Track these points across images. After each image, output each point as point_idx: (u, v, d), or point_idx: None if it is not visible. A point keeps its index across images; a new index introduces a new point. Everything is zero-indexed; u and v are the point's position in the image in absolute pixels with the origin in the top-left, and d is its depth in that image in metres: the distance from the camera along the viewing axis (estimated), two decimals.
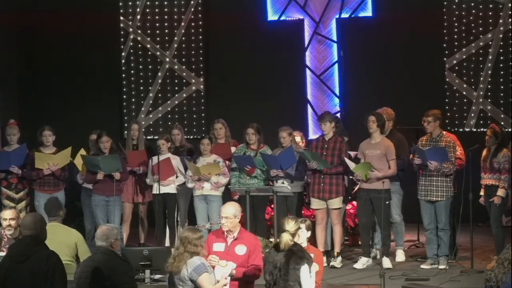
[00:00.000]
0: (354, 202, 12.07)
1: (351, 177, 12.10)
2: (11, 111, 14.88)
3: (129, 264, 7.51)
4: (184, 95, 15.52)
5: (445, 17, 14.64)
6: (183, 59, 15.50)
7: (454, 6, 14.61)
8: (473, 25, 14.56)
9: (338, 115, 14.47)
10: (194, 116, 15.47)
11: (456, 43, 14.63)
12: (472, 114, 14.58)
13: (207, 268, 7.61)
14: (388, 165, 10.99)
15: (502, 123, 14.01)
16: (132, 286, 7.32)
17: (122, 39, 15.58)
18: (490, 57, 14.47)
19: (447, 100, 14.64)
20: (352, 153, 11.56)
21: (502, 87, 14.49)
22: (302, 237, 8.39)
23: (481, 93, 14.55)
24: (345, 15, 14.95)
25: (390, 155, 11.00)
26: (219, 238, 8.47)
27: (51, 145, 11.81)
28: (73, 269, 8.72)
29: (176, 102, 15.51)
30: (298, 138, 12.07)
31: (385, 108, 11.63)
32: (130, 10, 15.58)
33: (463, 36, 14.60)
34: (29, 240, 6.81)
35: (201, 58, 15.49)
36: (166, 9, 15.53)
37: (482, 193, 10.94)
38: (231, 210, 8.45)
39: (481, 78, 14.54)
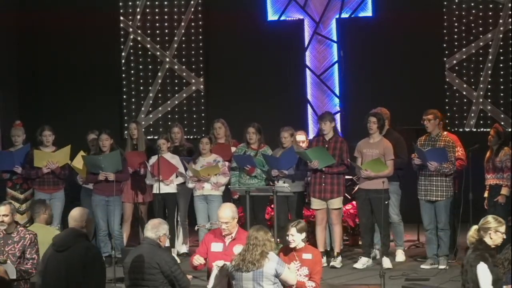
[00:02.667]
0: (354, 202, 12.07)
1: (350, 177, 12.13)
2: (11, 111, 14.89)
3: (171, 254, 7.88)
4: (184, 95, 15.52)
5: (445, 17, 14.64)
6: (183, 59, 15.51)
7: (454, 6, 14.61)
8: (473, 25, 14.55)
9: (338, 115, 14.48)
10: (194, 116, 15.47)
11: (456, 43, 14.63)
12: (472, 114, 14.58)
13: None
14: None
15: (502, 123, 13.99)
16: (179, 272, 7.62)
17: (122, 39, 15.58)
18: (490, 57, 14.47)
19: (447, 100, 14.63)
20: None
21: (502, 87, 14.48)
22: (297, 240, 8.41)
23: (481, 93, 14.54)
24: (345, 15, 14.95)
25: (388, 155, 11.00)
26: (217, 238, 8.48)
27: (51, 145, 11.82)
28: None
29: (176, 102, 15.51)
30: (302, 137, 12.06)
31: (380, 108, 11.63)
32: (130, 10, 15.58)
33: (463, 36, 14.60)
34: (71, 232, 7.30)
35: (201, 58, 15.49)
36: (166, 9, 15.53)
37: (486, 195, 10.91)
38: (228, 213, 8.50)
39: (481, 78, 14.53)
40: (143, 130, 12.69)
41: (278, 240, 10.39)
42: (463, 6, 14.58)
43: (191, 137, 14.71)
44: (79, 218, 7.39)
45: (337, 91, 14.93)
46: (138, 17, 15.55)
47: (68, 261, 7.12)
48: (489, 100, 14.53)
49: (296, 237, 8.41)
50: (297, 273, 8.35)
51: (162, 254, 7.64)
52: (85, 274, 7.04)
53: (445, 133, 11.24)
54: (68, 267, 7.10)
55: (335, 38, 14.97)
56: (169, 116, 15.48)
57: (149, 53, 15.56)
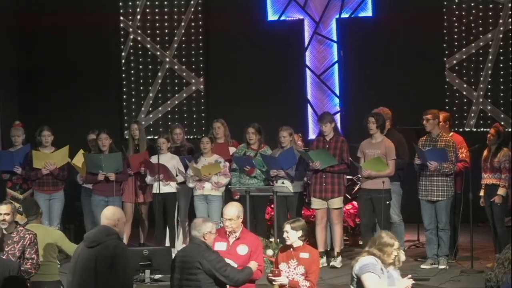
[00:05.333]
0: (354, 202, 12.07)
1: (350, 177, 12.13)
2: (11, 111, 14.88)
3: (217, 253, 7.80)
4: (184, 95, 15.52)
5: (445, 17, 14.64)
6: (183, 59, 15.50)
7: (454, 6, 14.61)
8: (473, 25, 14.56)
9: (338, 115, 14.48)
10: (194, 116, 15.47)
11: (456, 43, 14.63)
12: (472, 114, 14.58)
13: (376, 269, 7.39)
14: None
15: (502, 123, 13.99)
16: (225, 269, 7.60)
17: (122, 39, 15.58)
18: (490, 57, 14.48)
19: (447, 100, 14.64)
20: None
21: (502, 87, 14.49)
22: (292, 238, 8.39)
23: (481, 93, 14.55)
24: (345, 15, 14.95)
25: (390, 155, 11.00)
26: (221, 237, 8.47)
27: (50, 145, 11.81)
28: (54, 269, 8.75)
29: (176, 102, 15.51)
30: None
31: (382, 108, 11.64)
32: (130, 10, 15.58)
33: (463, 36, 14.60)
34: (103, 229, 7.49)
35: (201, 58, 15.49)
36: (166, 9, 15.53)
37: (482, 193, 10.92)
38: (234, 211, 8.45)
39: (481, 78, 14.54)
40: (144, 130, 12.67)
41: (278, 240, 10.39)
42: (463, 6, 14.58)
43: (191, 137, 14.71)
44: (111, 216, 7.55)
45: (337, 91, 14.93)
46: (138, 17, 15.54)
47: (98, 257, 7.31)
48: (489, 100, 14.54)
49: (290, 234, 8.37)
50: (293, 272, 8.34)
51: (205, 253, 7.61)
52: (111, 269, 7.25)
53: (451, 133, 11.26)
54: (98, 263, 7.29)
55: (335, 38, 14.97)
56: (169, 116, 15.48)
57: (149, 53, 15.55)
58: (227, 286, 7.79)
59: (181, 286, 7.57)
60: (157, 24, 15.53)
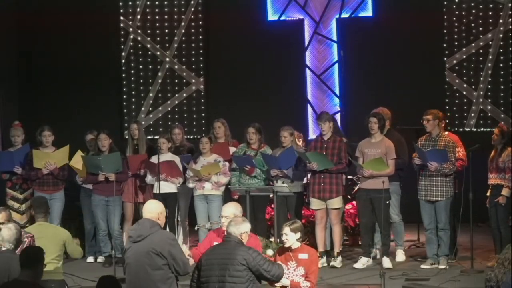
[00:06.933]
0: (354, 202, 12.07)
1: (351, 177, 12.13)
2: (11, 111, 14.88)
3: (257, 250, 7.92)
4: (184, 95, 15.52)
5: (445, 17, 14.65)
6: (183, 59, 15.51)
7: (454, 6, 14.62)
8: (473, 25, 14.56)
9: (338, 115, 14.48)
10: (194, 116, 15.47)
11: (456, 43, 14.63)
12: (472, 114, 14.58)
13: None
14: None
15: (502, 123, 13.98)
16: (268, 264, 7.74)
17: (122, 39, 15.58)
18: (490, 57, 14.48)
19: (447, 100, 14.64)
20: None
21: (502, 87, 14.49)
22: (291, 240, 8.40)
23: (481, 93, 14.55)
24: (345, 15, 14.96)
25: (390, 155, 10.99)
26: (219, 237, 8.48)
27: (50, 145, 11.82)
28: (59, 268, 8.73)
29: (176, 102, 15.51)
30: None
31: (381, 108, 11.62)
32: (130, 10, 15.58)
33: (463, 36, 14.61)
34: (146, 222, 7.66)
35: (201, 58, 15.50)
36: (166, 9, 15.53)
37: (489, 194, 10.90)
38: (231, 209, 8.54)
39: (481, 78, 14.54)
40: (143, 130, 12.66)
41: (278, 240, 10.39)
42: (463, 6, 14.59)
43: (191, 137, 14.71)
44: (154, 210, 7.71)
45: (337, 91, 14.93)
46: (138, 17, 15.54)
47: (147, 249, 7.46)
48: (489, 100, 14.54)
49: (290, 237, 8.41)
50: (293, 273, 8.36)
51: (248, 250, 7.71)
52: (164, 258, 7.43)
53: (446, 133, 11.24)
54: (148, 254, 7.44)
55: (335, 38, 14.97)
56: (169, 116, 15.48)
57: (149, 53, 15.55)
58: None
59: (224, 282, 7.60)
60: (157, 24, 15.54)
